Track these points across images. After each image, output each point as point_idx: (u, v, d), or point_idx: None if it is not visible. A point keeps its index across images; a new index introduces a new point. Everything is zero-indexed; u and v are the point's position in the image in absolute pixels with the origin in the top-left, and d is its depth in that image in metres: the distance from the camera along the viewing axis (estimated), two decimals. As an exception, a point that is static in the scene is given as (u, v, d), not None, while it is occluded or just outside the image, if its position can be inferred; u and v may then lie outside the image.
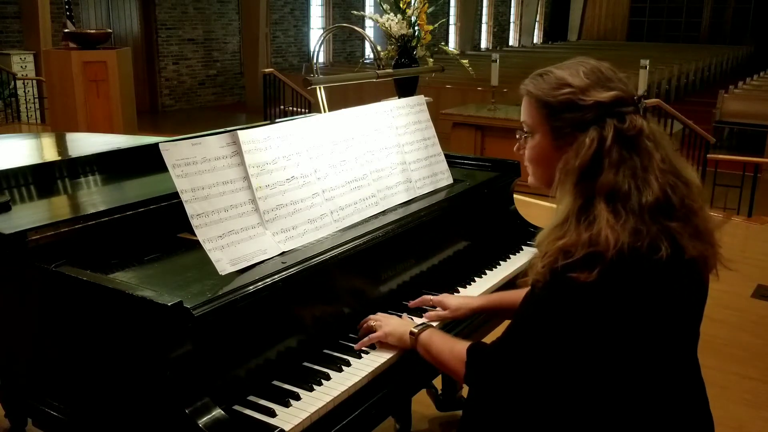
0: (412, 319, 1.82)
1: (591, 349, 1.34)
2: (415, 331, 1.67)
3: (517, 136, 1.52)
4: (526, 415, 1.46)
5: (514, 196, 2.62)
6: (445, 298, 1.92)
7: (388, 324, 1.73)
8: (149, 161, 2.04)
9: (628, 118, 1.34)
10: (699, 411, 1.46)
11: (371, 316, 1.78)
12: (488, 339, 2.03)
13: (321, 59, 13.43)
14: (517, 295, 1.89)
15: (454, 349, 1.57)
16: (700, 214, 1.37)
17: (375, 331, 1.72)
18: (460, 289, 2.09)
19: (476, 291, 2.09)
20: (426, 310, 1.91)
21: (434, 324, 1.79)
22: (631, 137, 1.33)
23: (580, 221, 1.31)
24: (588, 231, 1.29)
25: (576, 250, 1.28)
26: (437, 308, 1.91)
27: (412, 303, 1.94)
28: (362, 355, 1.69)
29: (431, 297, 1.94)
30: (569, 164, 1.36)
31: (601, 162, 1.32)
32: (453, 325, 1.91)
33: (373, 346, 1.72)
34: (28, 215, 1.76)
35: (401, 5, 3.38)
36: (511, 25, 23.29)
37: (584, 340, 1.33)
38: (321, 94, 2.44)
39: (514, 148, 1.54)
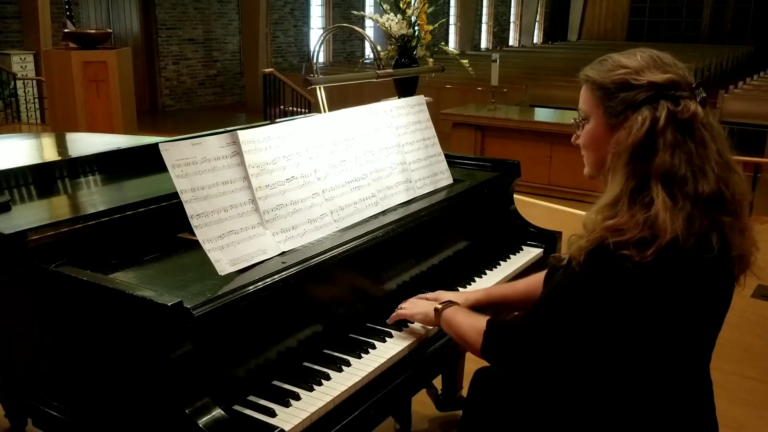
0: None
1: (621, 330, 1.34)
2: (440, 307, 1.75)
3: (573, 125, 1.51)
4: (534, 394, 1.47)
5: (514, 196, 2.62)
6: (439, 294, 1.92)
7: (416, 305, 1.83)
8: (149, 161, 2.04)
9: (682, 102, 1.33)
10: (706, 414, 1.47)
11: (402, 303, 1.86)
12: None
13: (321, 59, 13.39)
14: (522, 286, 1.91)
15: (474, 322, 1.61)
16: (746, 212, 1.38)
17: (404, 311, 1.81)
18: (460, 289, 2.09)
19: (476, 291, 2.08)
20: None
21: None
22: (684, 121, 1.32)
23: (633, 202, 1.31)
24: (643, 213, 1.28)
25: (628, 230, 1.28)
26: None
27: None
28: (362, 355, 1.69)
29: (426, 295, 1.93)
30: (621, 144, 1.35)
31: (655, 142, 1.32)
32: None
33: (374, 345, 1.73)
34: (28, 215, 1.75)
35: (401, 5, 3.38)
36: (511, 25, 23.28)
37: (618, 320, 1.33)
38: (321, 94, 2.44)
39: (572, 139, 1.54)
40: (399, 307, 1.86)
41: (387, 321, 1.83)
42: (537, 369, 1.45)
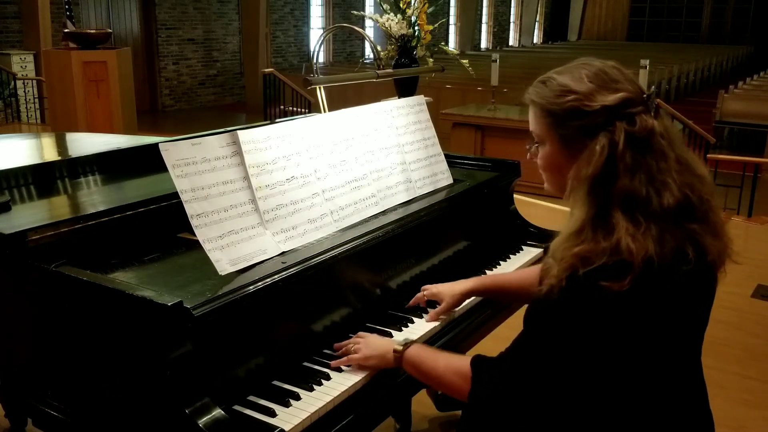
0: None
1: (610, 357, 1.30)
2: (400, 348, 1.60)
3: (527, 147, 1.47)
4: (532, 425, 1.44)
5: (514, 196, 2.62)
6: (438, 290, 1.92)
7: (368, 345, 1.64)
8: (149, 161, 2.04)
9: (638, 120, 1.28)
10: (701, 413, 1.46)
11: (353, 339, 1.69)
12: (482, 344, 2.05)
13: (321, 59, 13.42)
14: (516, 276, 1.93)
15: (451, 364, 1.52)
16: (716, 210, 1.35)
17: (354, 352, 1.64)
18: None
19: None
20: (423, 309, 1.92)
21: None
22: (643, 139, 1.28)
23: (596, 229, 1.27)
24: (607, 240, 1.24)
25: (595, 257, 1.24)
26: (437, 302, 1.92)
27: (408, 305, 1.93)
28: (362, 355, 1.68)
29: (424, 293, 1.93)
30: (581, 173, 1.30)
31: (616, 168, 1.27)
32: (453, 324, 1.92)
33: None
34: (28, 215, 1.76)
35: (401, 5, 3.39)
36: (511, 25, 23.28)
37: (605, 348, 1.29)
38: (321, 94, 2.44)
39: (527, 157, 1.50)
40: (352, 342, 1.67)
41: (332, 364, 1.62)
42: (535, 405, 1.38)
